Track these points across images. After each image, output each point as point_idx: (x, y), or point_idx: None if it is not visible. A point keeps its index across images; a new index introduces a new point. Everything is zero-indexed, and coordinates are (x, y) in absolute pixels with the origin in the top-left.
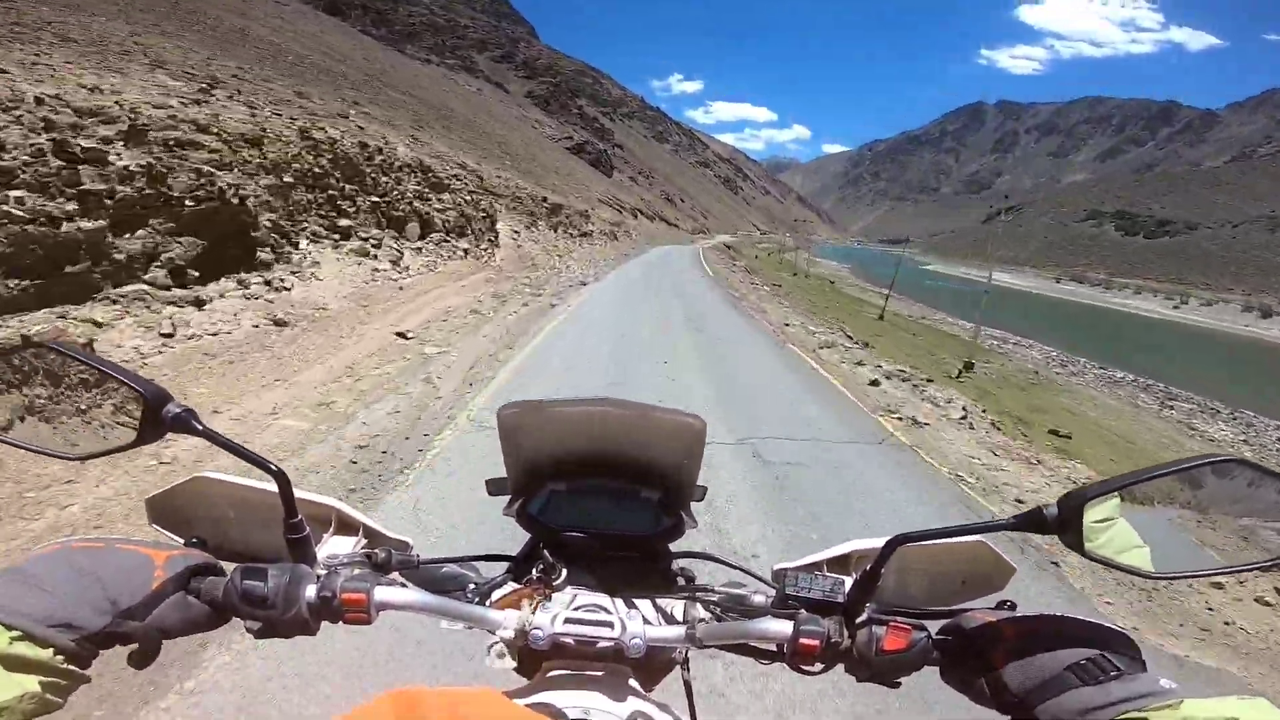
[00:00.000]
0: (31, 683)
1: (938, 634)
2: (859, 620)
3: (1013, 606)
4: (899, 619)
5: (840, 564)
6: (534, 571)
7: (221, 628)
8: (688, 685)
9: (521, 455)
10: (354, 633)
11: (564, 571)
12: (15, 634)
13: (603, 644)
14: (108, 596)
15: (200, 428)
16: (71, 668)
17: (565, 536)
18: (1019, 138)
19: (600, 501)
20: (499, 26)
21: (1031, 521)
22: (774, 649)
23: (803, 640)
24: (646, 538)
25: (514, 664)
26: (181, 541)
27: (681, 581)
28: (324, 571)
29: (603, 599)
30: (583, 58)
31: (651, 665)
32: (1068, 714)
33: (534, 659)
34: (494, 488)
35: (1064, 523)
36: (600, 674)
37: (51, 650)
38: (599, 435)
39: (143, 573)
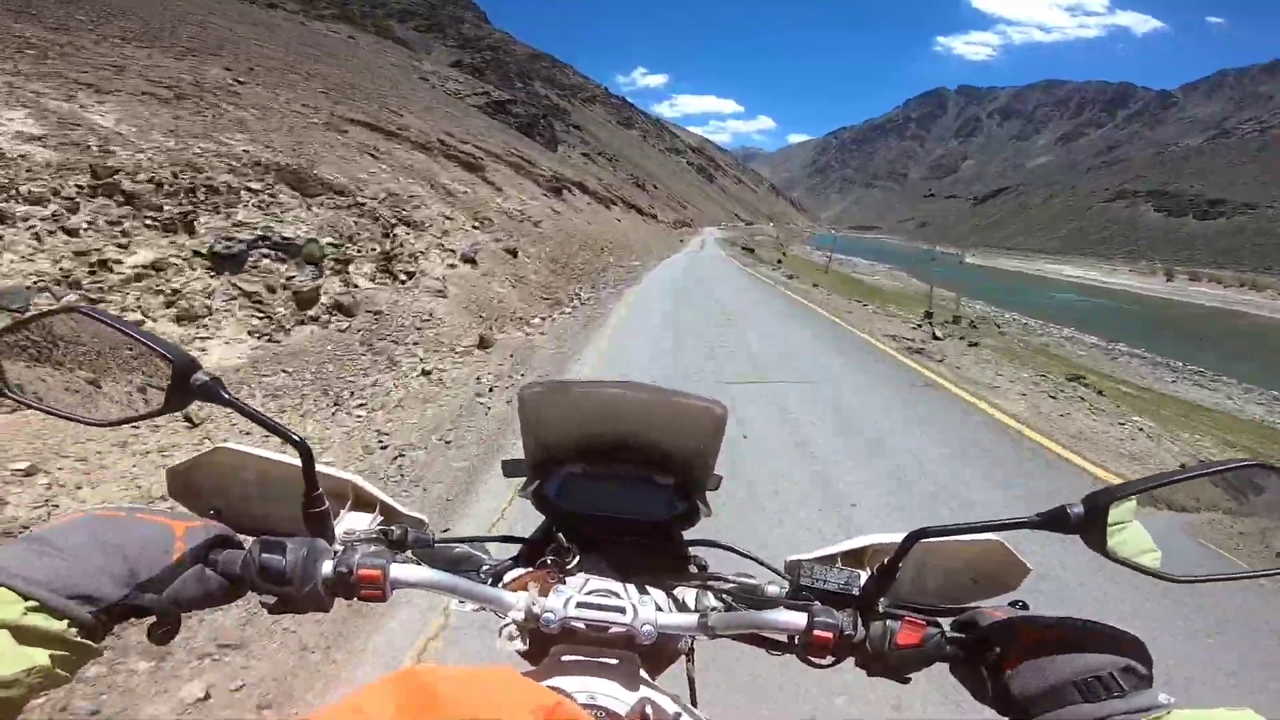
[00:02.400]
0: (42, 656)
1: (951, 630)
2: (873, 614)
3: (1025, 606)
4: (913, 614)
5: (854, 558)
6: (547, 555)
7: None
8: (691, 678)
9: (540, 436)
10: None
11: (577, 556)
12: (31, 604)
13: (614, 629)
14: (128, 568)
15: (226, 396)
16: (85, 641)
17: (579, 520)
18: (981, 122)
19: (616, 486)
20: (437, 6)
21: (1055, 520)
22: (785, 640)
23: (816, 632)
24: (660, 524)
25: (524, 646)
26: (198, 514)
27: (694, 569)
28: (341, 547)
29: (615, 584)
30: (541, 49)
31: (659, 654)
32: None
33: (543, 642)
34: (510, 469)
35: (1088, 523)
36: (609, 660)
37: (66, 622)
38: (619, 418)
39: (163, 544)
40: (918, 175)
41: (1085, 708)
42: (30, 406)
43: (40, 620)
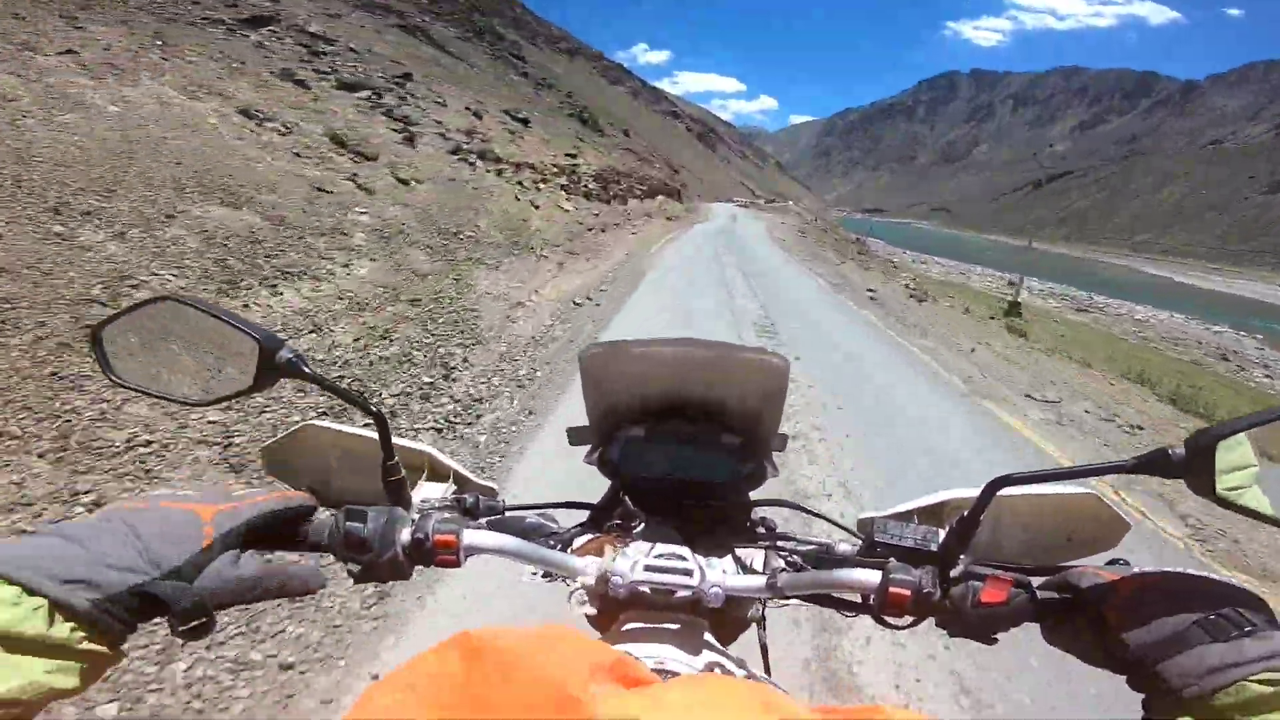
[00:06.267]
0: (46, 665)
1: (1042, 589)
2: (954, 572)
3: (1125, 564)
4: (998, 571)
5: (932, 515)
6: (613, 520)
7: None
8: (763, 644)
9: (603, 397)
10: None
11: (643, 520)
12: (36, 602)
13: (681, 593)
14: (148, 556)
15: (309, 372)
16: (92, 646)
17: (645, 483)
18: (994, 108)
19: (680, 448)
20: None
21: (1152, 463)
22: (859, 600)
23: (893, 590)
24: (726, 485)
25: (594, 612)
26: (295, 489)
27: (762, 531)
28: (418, 515)
29: (682, 548)
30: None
31: (728, 620)
32: (1193, 672)
33: (611, 609)
34: (575, 437)
35: (1191, 464)
36: (676, 626)
37: (71, 626)
38: (681, 375)
39: (189, 530)
40: (926, 159)
41: (1215, 647)
42: (136, 390)
43: (42, 623)
